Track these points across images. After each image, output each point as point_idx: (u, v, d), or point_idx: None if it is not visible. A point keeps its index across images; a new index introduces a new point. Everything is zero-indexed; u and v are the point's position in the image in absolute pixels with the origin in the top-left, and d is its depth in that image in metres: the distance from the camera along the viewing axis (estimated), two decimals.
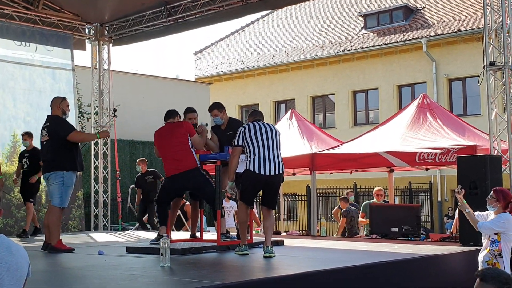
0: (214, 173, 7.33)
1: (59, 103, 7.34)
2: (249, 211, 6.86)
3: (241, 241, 6.72)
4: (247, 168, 6.56)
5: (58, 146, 7.08)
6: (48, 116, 7.37)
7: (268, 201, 6.70)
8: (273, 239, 7.77)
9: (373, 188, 11.30)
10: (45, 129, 7.27)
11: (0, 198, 2.80)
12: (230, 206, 11.85)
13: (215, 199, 7.04)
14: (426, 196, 21.24)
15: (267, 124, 6.78)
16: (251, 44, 28.12)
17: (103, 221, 12.17)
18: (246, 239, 6.75)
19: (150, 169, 11.91)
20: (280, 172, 6.64)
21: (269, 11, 26.99)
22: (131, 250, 7.07)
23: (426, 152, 9.04)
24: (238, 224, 7.05)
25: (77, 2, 11.88)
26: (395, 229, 9.11)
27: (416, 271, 6.34)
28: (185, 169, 7.01)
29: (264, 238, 6.63)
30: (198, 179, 7.10)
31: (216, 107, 7.75)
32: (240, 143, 6.57)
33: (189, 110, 8.09)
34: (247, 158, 6.59)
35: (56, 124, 7.20)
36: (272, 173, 6.51)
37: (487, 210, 6.09)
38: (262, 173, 6.48)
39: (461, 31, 20.99)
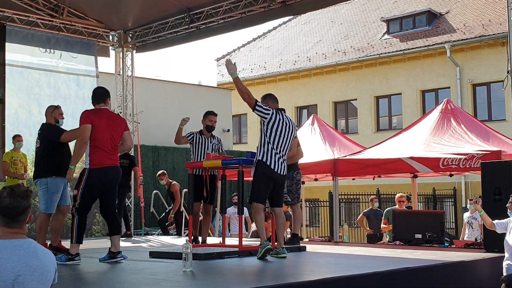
0: (236, 178, 7.36)
1: (51, 111, 7.50)
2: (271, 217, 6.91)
3: (261, 238, 6.71)
4: (262, 159, 6.56)
5: (46, 153, 7.17)
6: (42, 124, 7.55)
7: (278, 200, 6.81)
8: (294, 245, 7.77)
9: (396, 194, 11.24)
10: (38, 136, 7.44)
11: (30, 205, 2.84)
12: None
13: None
14: (450, 202, 21.01)
15: (288, 119, 6.80)
16: (273, 50, 28.15)
17: None
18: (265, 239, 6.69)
19: (129, 154, 10.96)
20: (286, 172, 6.81)
21: (291, 17, 27.01)
22: (154, 254, 7.11)
23: (450, 158, 8.95)
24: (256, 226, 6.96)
25: (101, 10, 12.02)
26: (418, 235, 9.02)
27: (440, 277, 6.27)
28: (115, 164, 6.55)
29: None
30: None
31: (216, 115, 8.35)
32: (262, 105, 6.57)
33: (211, 113, 8.33)
34: (261, 145, 6.60)
35: (47, 131, 7.35)
36: (282, 172, 6.64)
37: (509, 217, 6.03)
38: (277, 170, 6.57)
39: (485, 35, 20.78)
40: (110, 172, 6.38)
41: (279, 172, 6.59)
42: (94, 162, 6.29)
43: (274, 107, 6.77)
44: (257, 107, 6.55)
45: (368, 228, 12.25)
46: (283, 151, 6.64)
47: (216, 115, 8.34)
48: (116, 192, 6.71)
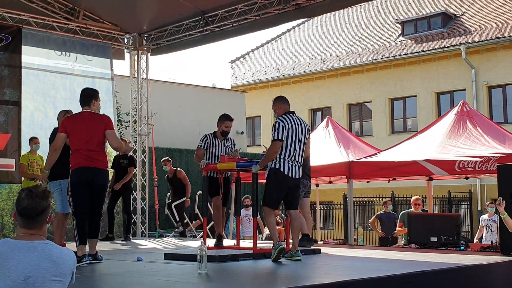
0: (250, 181, 7.35)
1: (62, 116, 7.57)
2: (285, 220, 6.90)
3: (273, 240, 6.70)
4: (274, 166, 6.56)
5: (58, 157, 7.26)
6: (53, 128, 7.79)
7: (293, 203, 6.78)
8: (306, 248, 7.75)
9: (411, 197, 11.18)
10: (49, 141, 7.65)
11: (49, 205, 2.84)
12: (249, 215, 11.81)
13: None
14: (466, 205, 20.86)
15: (299, 120, 6.74)
16: (287, 52, 28.14)
17: (141, 228, 12.29)
18: (278, 240, 6.69)
19: (128, 154, 10.94)
20: (300, 176, 6.76)
21: (305, 19, 26.99)
22: (169, 256, 7.13)
23: (466, 161, 8.88)
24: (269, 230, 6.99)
25: (116, 13, 12.09)
26: (434, 239, 8.97)
27: (456, 281, 6.23)
28: (92, 165, 6.60)
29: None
30: (102, 181, 6.78)
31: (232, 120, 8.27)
32: (282, 137, 6.52)
33: (227, 118, 8.23)
34: (279, 157, 6.59)
35: (51, 135, 7.61)
36: (297, 176, 6.65)
37: None
38: (291, 175, 6.57)
39: (500, 37, 20.64)
40: (87, 172, 6.46)
41: (293, 176, 6.61)
42: (72, 164, 6.58)
43: (284, 110, 6.74)
44: (279, 140, 6.52)
45: (380, 231, 12.22)
46: (298, 155, 6.63)
47: (232, 120, 8.25)
48: (102, 197, 6.75)
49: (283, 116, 6.68)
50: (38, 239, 2.88)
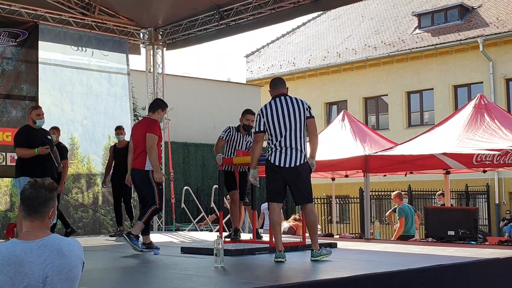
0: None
1: (29, 113, 8.03)
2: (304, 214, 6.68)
3: (276, 246, 6.12)
4: (267, 158, 6.06)
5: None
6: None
7: (298, 196, 6.05)
8: (326, 241, 7.73)
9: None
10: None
11: (54, 198, 2.83)
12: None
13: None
14: (484, 199, 20.72)
15: (291, 100, 6.09)
16: (302, 45, 28.06)
17: (158, 222, 12.35)
18: (282, 243, 6.12)
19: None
20: (302, 162, 5.95)
21: (321, 12, 26.87)
22: (186, 250, 7.15)
23: (484, 154, 8.79)
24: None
25: (132, 8, 12.12)
26: (451, 233, 8.91)
27: (474, 275, 6.18)
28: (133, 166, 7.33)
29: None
30: (134, 180, 7.43)
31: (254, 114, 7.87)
32: (262, 128, 6.04)
33: (249, 112, 8.22)
34: (268, 146, 6.13)
35: (17, 134, 8.02)
36: (293, 164, 5.91)
37: None
38: (282, 165, 5.93)
39: None
40: (131, 173, 7.41)
41: (285, 165, 5.93)
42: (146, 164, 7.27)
43: (274, 94, 6.23)
44: (259, 132, 6.12)
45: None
46: (289, 140, 5.94)
47: (254, 114, 8.20)
48: (140, 191, 7.43)
49: (268, 103, 6.18)
50: (45, 235, 2.83)
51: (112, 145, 10.41)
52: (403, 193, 13.18)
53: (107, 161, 10.33)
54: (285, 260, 6.02)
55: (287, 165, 5.94)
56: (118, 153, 9.71)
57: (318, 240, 6.26)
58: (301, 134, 6.01)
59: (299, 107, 6.05)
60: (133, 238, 7.01)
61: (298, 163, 5.95)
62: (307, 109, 6.07)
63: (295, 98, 6.15)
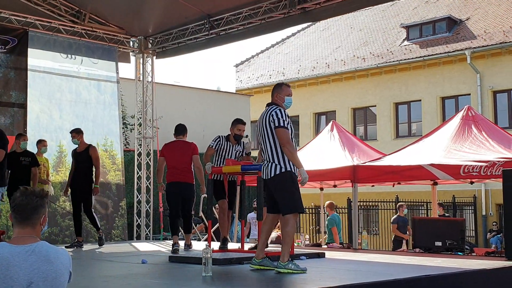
0: (256, 184, 7.34)
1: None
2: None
3: (287, 256, 5.95)
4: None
5: None
6: None
7: (277, 206, 5.96)
8: (314, 251, 7.74)
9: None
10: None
11: (44, 205, 2.81)
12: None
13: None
14: (471, 210, 20.82)
15: (265, 110, 5.99)
16: (292, 56, 28.17)
17: (145, 231, 12.31)
18: (264, 252, 6.20)
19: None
20: (278, 173, 5.82)
21: (310, 23, 27.03)
22: (174, 259, 7.14)
23: (471, 165, 8.87)
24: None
25: (122, 16, 12.14)
26: (438, 243, 8.96)
27: (461, 285, 6.21)
28: (183, 180, 8.18)
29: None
30: (189, 192, 8.31)
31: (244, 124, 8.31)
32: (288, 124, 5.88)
33: (240, 122, 8.29)
34: None
35: None
36: (269, 176, 5.89)
37: None
38: (264, 177, 6.01)
39: (506, 42, 20.63)
40: (173, 186, 8.24)
41: (264, 177, 6.00)
42: (167, 179, 8.36)
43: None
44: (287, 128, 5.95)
45: (404, 234, 12.53)
46: (263, 151, 5.99)
47: (244, 124, 8.30)
48: (187, 202, 8.34)
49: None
50: (33, 241, 2.83)
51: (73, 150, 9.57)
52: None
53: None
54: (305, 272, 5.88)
55: (265, 177, 6.00)
56: (77, 158, 9.28)
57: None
58: (273, 145, 5.88)
59: (265, 118, 5.94)
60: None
61: (272, 174, 5.87)
62: (271, 121, 5.85)
63: (267, 108, 6.02)
